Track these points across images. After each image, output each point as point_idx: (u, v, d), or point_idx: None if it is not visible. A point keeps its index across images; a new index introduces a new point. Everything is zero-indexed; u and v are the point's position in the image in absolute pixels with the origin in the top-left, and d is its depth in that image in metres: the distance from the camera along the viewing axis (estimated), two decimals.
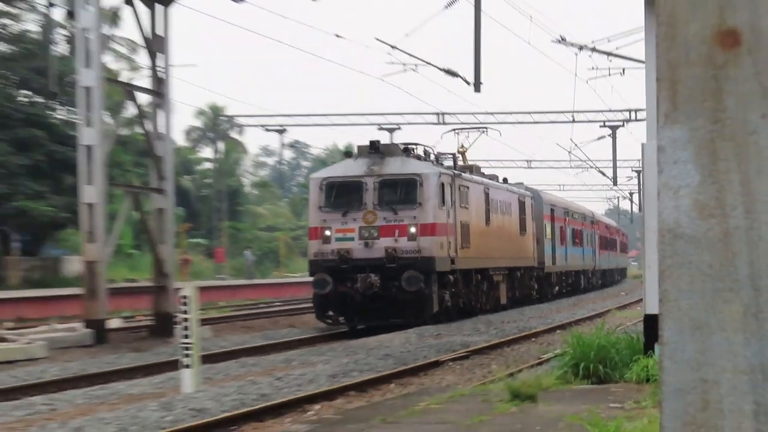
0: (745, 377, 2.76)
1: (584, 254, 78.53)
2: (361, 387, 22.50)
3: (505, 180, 56.65)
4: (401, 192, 35.46)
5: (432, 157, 43.81)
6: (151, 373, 25.63)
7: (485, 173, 53.88)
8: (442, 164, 42.54)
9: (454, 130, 59.48)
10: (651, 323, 20.70)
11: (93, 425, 17.45)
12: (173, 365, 23.14)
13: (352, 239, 34.91)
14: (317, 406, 20.13)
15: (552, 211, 62.96)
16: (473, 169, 49.84)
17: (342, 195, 35.41)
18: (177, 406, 19.16)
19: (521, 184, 57.34)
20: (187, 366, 21.09)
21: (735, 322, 2.79)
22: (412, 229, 34.72)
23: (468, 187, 41.80)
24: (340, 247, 34.59)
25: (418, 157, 39.65)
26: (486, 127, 61.38)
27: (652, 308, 20.26)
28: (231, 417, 18.20)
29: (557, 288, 65.11)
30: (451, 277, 38.15)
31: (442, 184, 36.84)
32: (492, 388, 18.93)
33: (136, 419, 17.91)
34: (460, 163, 52.90)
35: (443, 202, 36.80)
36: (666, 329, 2.86)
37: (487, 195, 45.74)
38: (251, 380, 22.98)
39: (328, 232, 35.59)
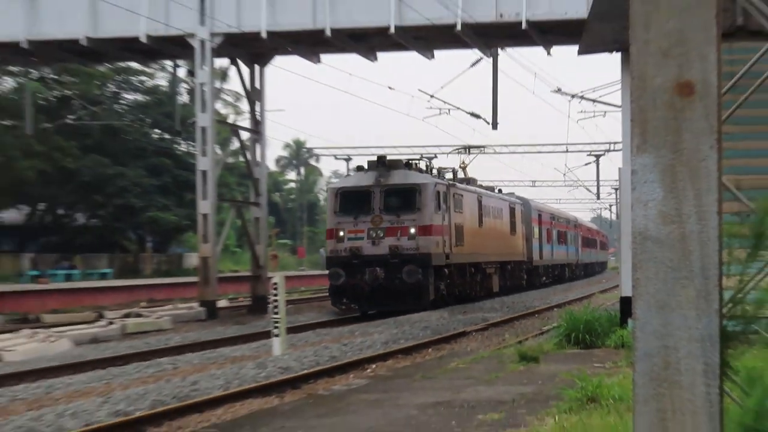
0: (698, 344, 2.76)
1: (568, 251, 75.22)
2: (407, 351, 22.61)
3: (499, 190, 54.92)
4: (403, 199, 34.21)
5: (434, 171, 41.82)
6: (249, 340, 25.92)
7: (483, 185, 51.25)
8: (443, 177, 40.83)
9: (456, 149, 57.70)
10: (625, 303, 20.80)
11: (206, 380, 17.59)
12: (266, 335, 23.45)
13: (362, 239, 33.50)
14: (374, 366, 20.20)
15: (539, 216, 59.88)
16: (470, 181, 47.86)
17: (354, 201, 34.19)
18: (269, 365, 19.34)
19: (512, 193, 55.01)
20: (276, 335, 21.33)
21: (690, 302, 2.78)
22: (412, 230, 33.43)
23: (462, 195, 39.65)
24: (352, 245, 33.24)
25: (419, 170, 38.07)
26: (483, 147, 59.74)
27: (627, 292, 20.31)
28: (309, 374, 18.33)
29: (544, 278, 61.90)
30: (446, 270, 36.30)
31: (438, 193, 35.32)
32: (505, 352, 18.94)
33: (238, 375, 18.07)
34: (461, 175, 50.06)
35: (439, 207, 35.20)
36: (638, 308, 2.86)
37: (479, 202, 43.63)
38: (324, 346, 23.15)
39: (341, 233, 34.21)
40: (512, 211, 50.86)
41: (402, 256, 32.93)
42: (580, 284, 67.15)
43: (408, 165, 36.84)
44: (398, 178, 35.01)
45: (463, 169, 53.28)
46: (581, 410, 10.61)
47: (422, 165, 39.02)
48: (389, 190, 34.31)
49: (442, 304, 36.53)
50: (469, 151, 55.93)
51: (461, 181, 45.03)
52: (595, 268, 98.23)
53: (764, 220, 5.20)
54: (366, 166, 37.93)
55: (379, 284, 32.96)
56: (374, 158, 40.81)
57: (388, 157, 41.55)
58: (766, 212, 5.22)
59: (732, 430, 4.56)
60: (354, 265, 33.04)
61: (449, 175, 44.76)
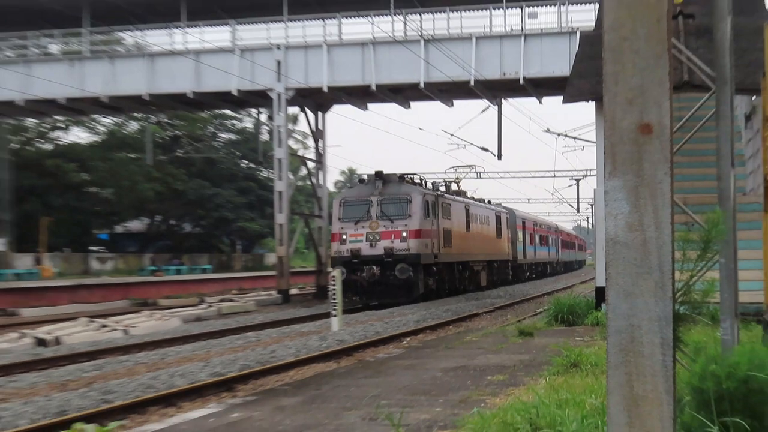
0: (656, 323, 2.74)
1: (549, 251, 71.09)
2: (433, 328, 22.61)
3: (489, 201, 50.73)
4: (396, 207, 31.60)
5: (428, 184, 37.81)
6: (314, 319, 26.12)
7: (473, 197, 47.66)
8: (436, 189, 37.55)
9: (453, 167, 51.72)
10: (600, 292, 20.63)
11: (282, 349, 17.69)
12: (326, 315, 23.58)
13: (361, 241, 31.21)
14: (408, 339, 20.22)
15: (523, 223, 56.27)
16: (460, 193, 43.90)
17: (355, 209, 31.76)
18: (329, 338, 19.44)
19: (500, 204, 51.31)
20: (335, 315, 21.41)
21: (649, 291, 2.77)
22: (404, 234, 30.97)
23: (450, 204, 36.44)
24: (352, 247, 30.99)
25: (412, 183, 34.77)
26: (473, 166, 53.58)
27: (601, 283, 20.13)
28: (358, 345, 18.39)
29: (528, 273, 58.39)
30: (434, 268, 33.62)
31: (427, 202, 32.45)
32: (508, 329, 18.86)
33: (305, 345, 18.16)
34: (455, 188, 46.73)
35: (428, 214, 32.32)
36: (610, 295, 2.85)
37: (467, 210, 40.04)
38: (370, 324, 23.20)
39: (344, 236, 31.71)
40: (498, 218, 47.83)
41: (395, 256, 31.08)
42: (563, 277, 64.96)
43: (401, 178, 34.31)
44: (393, 189, 32.77)
45: (457, 183, 49.60)
46: (566, 373, 10.56)
47: (417, 179, 36.17)
48: (385, 199, 32.25)
49: (433, 296, 34.57)
50: (458, 169, 50.50)
51: (454, 193, 42.22)
52: (573, 265, 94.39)
53: (711, 231, 5.18)
54: (366, 179, 35.80)
55: (375, 280, 31.24)
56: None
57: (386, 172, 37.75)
58: (713, 224, 5.21)
59: (682, 389, 4.52)
60: (354, 263, 31.13)
61: (444, 188, 42.17)
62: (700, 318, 5.62)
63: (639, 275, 2.78)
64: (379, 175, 32.54)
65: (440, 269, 34.98)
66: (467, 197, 45.38)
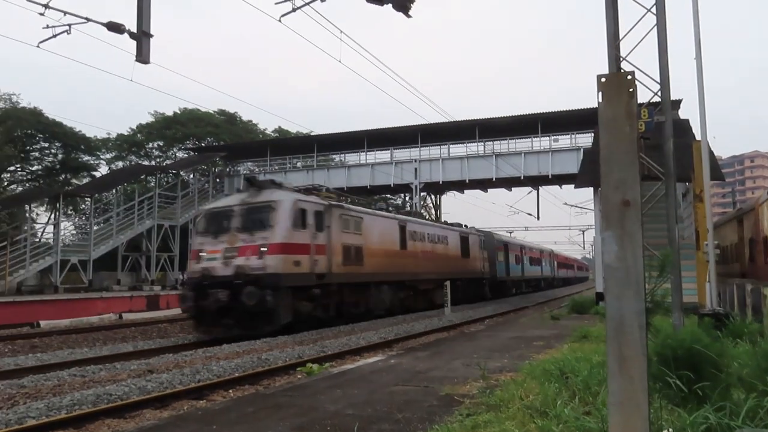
0: (635, 314, 2.60)
1: (543, 270, 50.50)
2: (501, 314, 21.90)
3: (466, 225, 31.37)
4: (258, 217, 16.53)
5: (341, 198, 21.00)
6: (437, 308, 25.16)
7: (446, 222, 30.68)
8: (339, 199, 19.95)
9: (427, 192, 39.57)
10: (599, 295, 19.66)
11: (417, 326, 17.43)
12: (441, 306, 22.91)
13: (216, 259, 16.11)
14: (487, 320, 19.64)
15: (506, 245, 37.68)
16: (414, 214, 27.26)
17: (216, 222, 16.80)
18: (443, 319, 18.99)
19: (472, 227, 31.65)
20: (447, 306, 20.99)
21: (630, 296, 2.62)
22: (262, 249, 15.69)
23: (361, 218, 19.31)
24: (205, 266, 15.96)
25: (291, 189, 17.84)
26: (449, 190, 39.79)
27: (600, 289, 19.27)
28: (460, 323, 17.94)
29: (514, 290, 39.40)
30: (317, 290, 16.59)
31: (303, 211, 16.58)
32: (545, 316, 18.12)
33: (430, 323, 17.81)
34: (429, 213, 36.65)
35: (303, 225, 16.45)
36: (607, 298, 2.71)
37: (402, 227, 22.29)
38: (466, 311, 22.62)
39: (201, 254, 16.45)
40: (465, 239, 28.87)
41: (247, 277, 15.22)
42: (562, 290, 51.46)
43: (273, 183, 17.79)
44: (260, 197, 16.94)
45: (436, 207, 38.57)
46: (580, 341, 10.10)
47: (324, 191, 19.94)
48: (247, 208, 16.60)
49: (310, 325, 16.42)
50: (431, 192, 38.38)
51: (408, 213, 26.14)
52: (572, 280, 74.47)
53: (665, 261, 4.91)
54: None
55: (223, 307, 15.19)
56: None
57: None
58: (666, 257, 4.95)
59: (651, 354, 4.29)
60: (204, 286, 15.54)
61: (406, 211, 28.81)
62: (661, 311, 5.37)
63: (624, 286, 2.65)
64: (250, 181, 17.81)
65: (332, 291, 17.20)
66: (421, 217, 28.21)
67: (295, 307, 15.52)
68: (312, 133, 39.61)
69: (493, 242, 34.46)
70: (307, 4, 9.41)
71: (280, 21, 10.15)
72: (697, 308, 10.60)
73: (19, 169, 41.44)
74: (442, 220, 32.32)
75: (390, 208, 33.95)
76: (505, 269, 36.91)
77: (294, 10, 9.60)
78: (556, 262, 59.64)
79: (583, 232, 70.83)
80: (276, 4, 9.67)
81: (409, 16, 7.87)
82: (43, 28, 9.97)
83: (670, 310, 7.46)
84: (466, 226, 31.34)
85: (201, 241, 16.12)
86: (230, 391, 8.31)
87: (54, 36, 10.01)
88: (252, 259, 15.07)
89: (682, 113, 35.27)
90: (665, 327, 5.62)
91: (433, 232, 25.51)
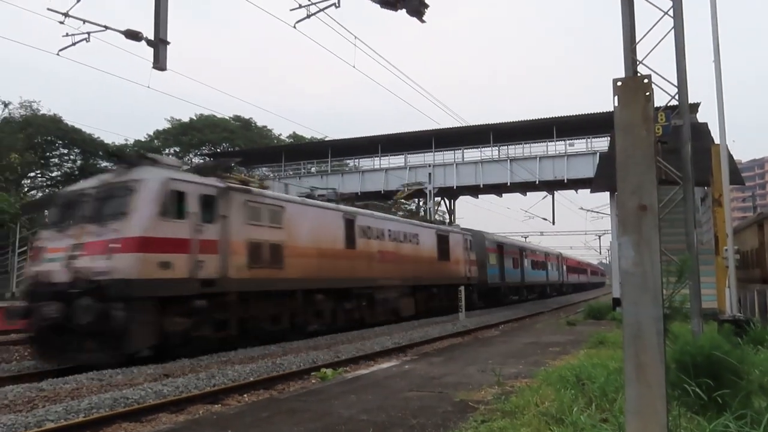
0: (652, 320, 2.57)
1: (549, 274, 44.73)
2: (515, 320, 21.74)
3: (449, 223, 29.30)
4: (114, 203, 10.27)
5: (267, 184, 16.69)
6: (451, 314, 24.99)
7: (434, 222, 27.15)
8: (262, 184, 14.99)
9: (441, 197, 38.08)
10: (616, 300, 19.45)
11: (432, 331, 17.37)
12: (456, 311, 22.79)
13: (57, 260, 9.95)
14: (502, 326, 19.50)
15: (500, 247, 32.64)
16: (372, 207, 22.94)
17: (66, 211, 10.82)
18: (458, 325, 18.92)
19: (457, 225, 27.82)
20: (461, 312, 20.91)
21: (648, 301, 2.60)
22: (111, 245, 9.63)
23: (282, 207, 14.08)
24: (42, 270, 10.04)
25: (197, 169, 12.91)
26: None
27: (617, 294, 19.05)
28: (474, 328, 17.83)
29: (514, 296, 35.22)
30: (201, 302, 11.08)
31: (178, 194, 10.77)
32: (560, 321, 17.98)
33: (444, 329, 17.70)
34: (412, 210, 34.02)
35: (180, 214, 10.70)
36: (624, 303, 2.68)
37: (349, 222, 17.13)
38: (482, 316, 22.52)
39: (44, 253, 10.47)
40: (443, 238, 23.78)
41: (88, 284, 9.70)
42: (574, 296, 49.11)
43: (144, 158, 12.08)
44: (124, 175, 11.21)
45: (395, 200, 34.67)
46: (597, 347, 10.00)
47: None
48: (104, 191, 10.89)
49: (188, 353, 11.32)
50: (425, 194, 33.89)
51: (365, 206, 21.28)
52: (586, 286, 67.73)
53: (683, 266, 4.85)
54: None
55: (55, 325, 9.73)
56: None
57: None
58: (683, 262, 4.89)
59: (669, 361, 4.24)
60: (38, 296, 10.05)
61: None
62: (679, 317, 5.30)
63: (641, 292, 2.62)
64: (118, 155, 11.83)
65: (232, 303, 12.46)
66: (395, 214, 24.92)
67: (166, 325, 10.89)
68: (326, 139, 39.75)
69: (483, 243, 29.61)
70: (322, 10, 9.47)
71: (294, 27, 10.23)
72: (717, 314, 10.45)
73: (39, 175, 42.07)
74: (446, 222, 30.50)
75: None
76: (500, 274, 32.09)
77: (308, 16, 9.66)
78: (565, 267, 53.44)
79: (600, 237, 70.41)
80: (291, 10, 9.74)
81: (423, 21, 7.88)
82: (63, 36, 10.08)
83: (689, 317, 7.36)
84: (458, 225, 28.01)
85: (46, 236, 11.28)
86: (245, 395, 8.32)
87: (73, 44, 10.14)
88: (98, 259, 10.25)
89: (701, 116, 34.93)
90: (684, 333, 5.54)
91: (397, 228, 20.36)
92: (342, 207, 17.67)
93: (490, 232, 33.50)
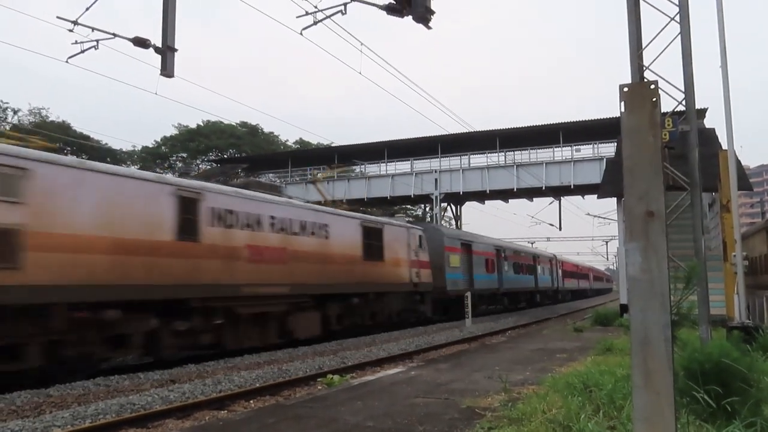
0: (660, 327, 2.56)
1: (540, 280, 38.89)
2: (523, 326, 21.59)
3: (395, 215, 21.77)
4: None
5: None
6: (458, 320, 24.78)
7: (369, 215, 21.70)
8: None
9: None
10: (623, 307, 19.35)
11: (438, 337, 17.32)
12: (463, 317, 22.68)
13: None
14: (509, 331, 19.40)
15: (468, 246, 26.76)
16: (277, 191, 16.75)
17: None
18: (464, 331, 18.87)
19: (402, 216, 19.91)
20: (468, 318, 20.82)
21: (655, 307, 2.58)
22: None
23: (26, 171, 8.40)
24: None
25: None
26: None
27: (624, 301, 18.97)
28: (481, 335, 17.73)
29: (489, 305, 29.54)
30: None
31: None
32: (567, 327, 17.86)
33: (451, 335, 17.67)
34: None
35: None
36: (632, 310, 2.67)
37: (188, 202, 11.36)
38: (490, 324, 22.41)
39: None
40: (371, 232, 18.31)
41: None
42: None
43: None
44: None
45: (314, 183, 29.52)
46: (604, 354, 9.94)
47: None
48: None
49: None
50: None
51: (222, 182, 14.25)
52: (587, 293, 61.71)
53: (691, 272, 4.82)
54: None
55: None
56: None
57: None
58: (692, 269, 4.86)
59: (677, 368, 4.21)
60: None
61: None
62: (687, 324, 5.26)
63: (649, 298, 2.60)
64: None
65: None
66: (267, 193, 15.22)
67: None
68: (332, 145, 39.89)
69: (440, 240, 23.56)
70: (328, 17, 9.51)
71: (301, 34, 10.27)
72: (725, 321, 10.38)
73: None
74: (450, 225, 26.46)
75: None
76: (467, 279, 25.87)
77: (315, 23, 9.70)
78: (560, 271, 45.81)
79: (606, 242, 70.06)
80: (297, 17, 9.78)
81: (429, 28, 7.90)
82: (72, 43, 10.14)
83: (696, 323, 7.31)
84: (406, 217, 20.04)
85: None
86: (251, 401, 8.32)
87: (82, 51, 10.21)
88: None
89: (708, 122, 34.76)
90: (692, 340, 5.51)
91: (286, 215, 14.67)
92: (171, 179, 12.22)
93: (452, 228, 27.19)
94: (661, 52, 8.44)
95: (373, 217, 19.67)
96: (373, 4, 8.36)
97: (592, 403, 5.36)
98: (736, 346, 5.03)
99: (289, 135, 70.40)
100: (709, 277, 8.11)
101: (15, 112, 40.26)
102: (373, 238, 18.42)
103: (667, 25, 8.51)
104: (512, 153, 35.07)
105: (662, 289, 2.60)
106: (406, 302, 20.54)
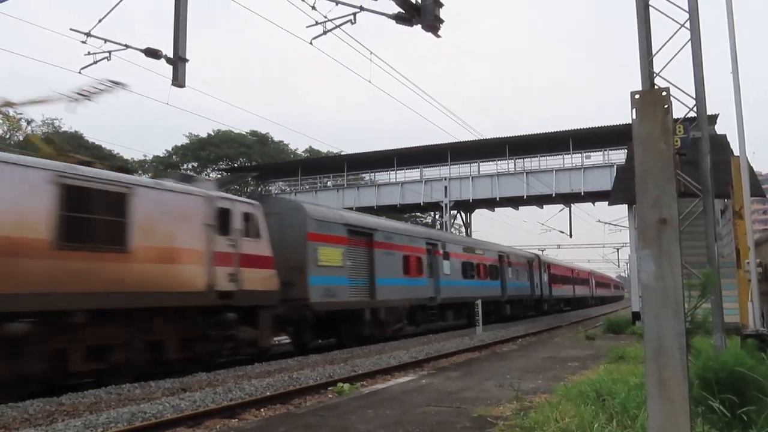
0: (674, 335, 2.53)
1: (506, 286, 28.93)
2: (534, 334, 21.42)
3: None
4: None
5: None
6: (469, 328, 24.62)
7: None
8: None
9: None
10: (636, 314, 19.19)
11: (448, 345, 17.21)
12: (473, 325, 22.51)
13: None
14: (520, 339, 19.28)
15: (368, 235, 17.53)
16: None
17: None
18: (474, 339, 18.71)
19: (202, 178, 17.20)
20: (478, 326, 20.67)
21: (669, 315, 2.56)
22: None
23: None
24: None
25: None
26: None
27: (636, 308, 18.85)
28: (492, 342, 17.61)
29: (400, 324, 19.11)
30: None
31: None
32: (579, 335, 17.72)
33: (462, 343, 17.57)
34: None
35: None
36: (645, 317, 2.65)
37: None
38: (498, 330, 22.25)
39: None
40: (94, 196, 9.12)
41: None
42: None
43: None
44: None
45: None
46: (617, 362, 9.85)
47: None
48: None
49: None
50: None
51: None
52: (588, 301, 53.43)
53: (707, 281, 4.78)
54: None
55: None
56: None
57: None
58: (707, 277, 4.82)
59: (692, 376, 4.17)
60: None
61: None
62: (701, 332, 5.22)
63: (662, 306, 2.58)
64: None
65: None
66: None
67: None
68: (342, 153, 40.00)
69: (302, 225, 15.27)
70: (338, 26, 9.56)
71: (311, 44, 10.33)
72: (740, 329, 10.26)
73: None
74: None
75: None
76: (366, 286, 17.51)
77: (325, 33, 9.75)
78: (545, 275, 36.45)
79: (618, 249, 69.55)
80: (307, 27, 9.84)
81: (438, 36, 7.93)
82: (85, 54, 10.27)
83: (711, 331, 7.23)
84: (210, 180, 14.78)
85: None
86: (262, 410, 8.30)
87: (95, 62, 10.32)
88: None
89: (720, 128, 34.56)
90: (706, 348, 5.45)
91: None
92: None
93: (330, 206, 19.08)
94: (672, 59, 8.40)
95: (106, 172, 10.25)
96: (383, 14, 8.40)
97: (605, 412, 5.30)
98: (750, 354, 4.98)
99: (298, 144, 70.76)
100: (722, 285, 8.03)
101: (28, 122, 40.73)
102: (95, 207, 9.70)
103: (677, 31, 8.48)
104: (522, 160, 35.02)
105: (676, 297, 2.57)
106: (196, 326, 11.52)
